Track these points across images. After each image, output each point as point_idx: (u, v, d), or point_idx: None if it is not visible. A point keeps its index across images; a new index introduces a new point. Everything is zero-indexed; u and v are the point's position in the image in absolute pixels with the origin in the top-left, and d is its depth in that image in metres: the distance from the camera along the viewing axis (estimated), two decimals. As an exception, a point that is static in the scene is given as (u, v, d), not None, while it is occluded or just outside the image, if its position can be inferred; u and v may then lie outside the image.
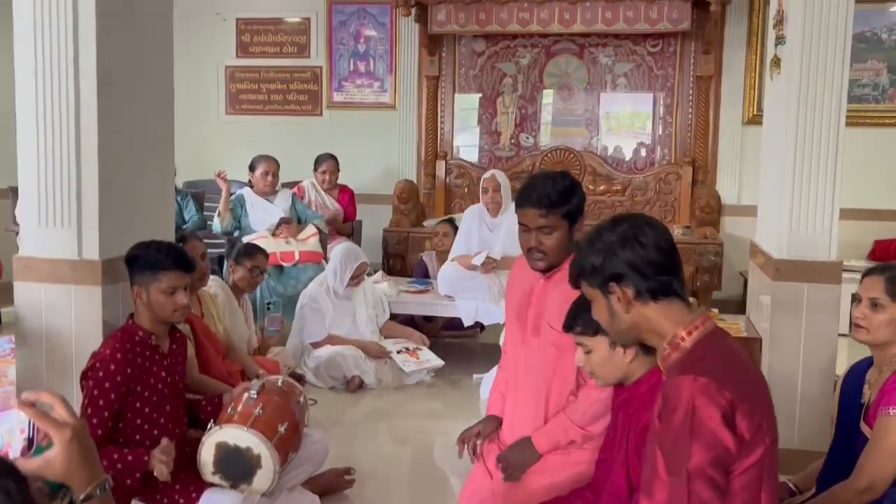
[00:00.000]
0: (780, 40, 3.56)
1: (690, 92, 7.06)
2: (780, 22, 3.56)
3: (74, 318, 3.03)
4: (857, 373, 2.71)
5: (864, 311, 2.59)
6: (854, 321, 2.62)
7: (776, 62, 3.61)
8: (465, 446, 2.90)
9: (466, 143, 7.53)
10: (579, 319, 2.36)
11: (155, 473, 2.66)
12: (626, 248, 1.78)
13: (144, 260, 2.85)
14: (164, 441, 2.76)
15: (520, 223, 2.70)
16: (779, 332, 3.57)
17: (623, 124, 7.30)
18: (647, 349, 2.33)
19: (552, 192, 2.62)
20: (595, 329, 2.32)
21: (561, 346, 2.66)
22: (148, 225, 3.19)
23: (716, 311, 6.00)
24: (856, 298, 2.65)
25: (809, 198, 3.45)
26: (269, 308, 4.45)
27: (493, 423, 2.95)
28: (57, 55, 2.93)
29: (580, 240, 1.94)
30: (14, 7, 2.97)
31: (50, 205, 2.99)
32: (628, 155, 7.24)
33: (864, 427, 2.52)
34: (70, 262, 3.00)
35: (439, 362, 4.95)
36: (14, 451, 3.01)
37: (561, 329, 2.62)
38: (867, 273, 2.66)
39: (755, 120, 6.76)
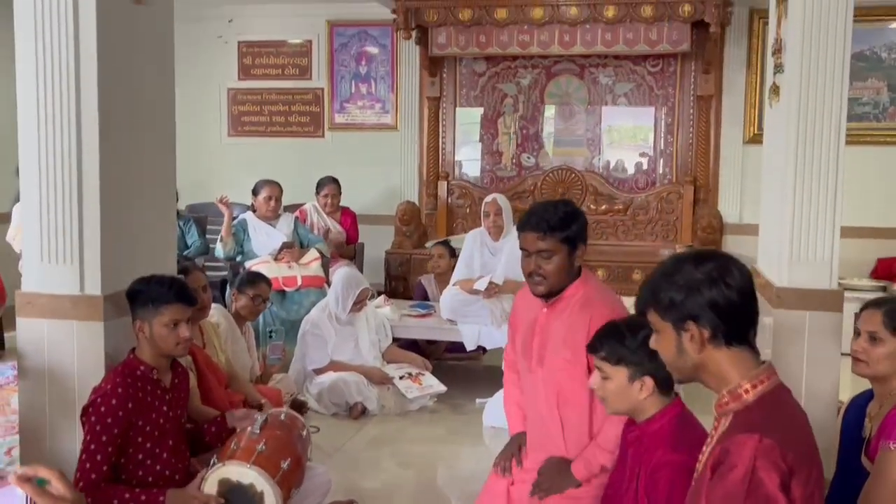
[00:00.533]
0: (778, 69, 3.57)
1: (691, 111, 7.08)
2: (778, 50, 3.57)
3: (77, 353, 3.03)
4: (858, 406, 2.71)
5: (863, 345, 2.59)
6: (854, 355, 2.63)
7: (775, 90, 3.61)
8: (503, 469, 2.90)
9: (468, 158, 7.55)
10: (605, 345, 2.38)
11: None
12: (712, 288, 1.72)
13: (146, 294, 2.87)
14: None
15: (521, 248, 2.73)
16: (780, 359, 3.55)
17: (625, 136, 7.32)
18: (664, 389, 2.35)
19: (551, 217, 2.66)
20: (618, 359, 2.34)
21: (566, 373, 2.67)
22: (150, 259, 3.20)
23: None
24: (855, 332, 2.65)
25: (810, 226, 3.44)
26: (270, 336, 4.46)
27: (523, 437, 2.96)
28: (59, 90, 2.94)
29: (656, 269, 1.86)
30: (17, 42, 2.99)
31: (52, 240, 3.00)
32: (630, 169, 7.25)
33: (865, 461, 2.51)
34: (72, 297, 3.01)
35: (442, 388, 4.95)
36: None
37: (568, 359, 2.64)
38: (865, 307, 2.66)
39: (756, 139, 6.78)
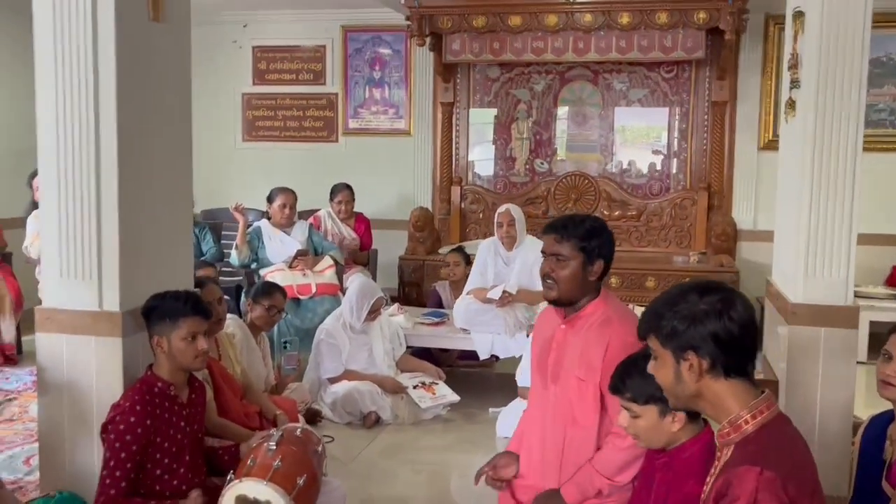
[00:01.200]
0: (794, 84, 3.56)
1: (705, 117, 7.06)
2: (794, 65, 3.56)
3: (95, 368, 3.06)
4: (878, 426, 2.67)
5: (894, 368, 2.55)
6: (883, 378, 2.57)
7: (791, 105, 3.61)
8: (482, 478, 2.92)
9: (481, 158, 7.54)
10: (630, 386, 2.34)
11: None
12: (715, 320, 1.75)
13: (163, 309, 2.90)
14: (195, 493, 2.81)
15: (542, 251, 2.76)
16: (795, 375, 3.55)
17: (638, 136, 7.31)
18: (693, 416, 2.34)
19: (575, 225, 2.70)
20: (646, 398, 2.30)
21: (578, 392, 2.67)
22: (167, 274, 3.23)
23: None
24: (883, 354, 2.61)
25: (825, 242, 3.43)
26: (285, 347, 4.49)
27: (512, 459, 2.97)
28: (78, 109, 2.97)
29: (660, 296, 1.89)
30: (35, 58, 3.02)
31: (71, 257, 3.03)
32: (644, 169, 7.22)
33: (886, 486, 2.49)
34: (91, 313, 3.03)
35: (455, 398, 4.97)
36: None
37: (580, 377, 2.64)
38: (894, 329, 2.63)
39: (771, 145, 6.76)
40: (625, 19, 6.25)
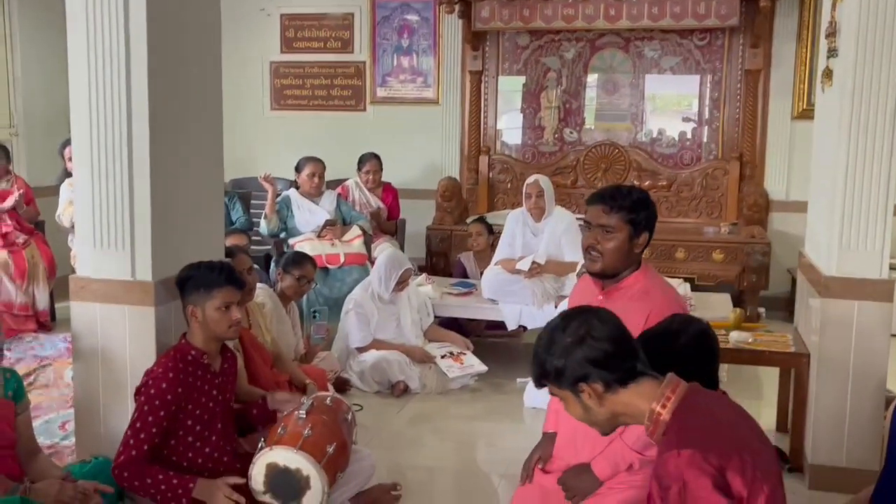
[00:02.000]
0: (832, 53, 3.48)
1: (738, 85, 6.94)
2: (832, 33, 3.48)
3: (128, 337, 3.10)
4: (909, 400, 2.67)
5: None
6: None
7: (828, 74, 3.53)
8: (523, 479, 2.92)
9: (510, 127, 7.48)
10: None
11: None
12: (582, 346, 1.82)
13: (197, 279, 2.93)
14: (233, 479, 2.83)
15: (585, 221, 2.73)
16: (827, 348, 3.53)
17: (669, 103, 7.21)
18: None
19: (623, 197, 2.66)
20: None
21: None
22: (199, 244, 3.26)
23: (762, 310, 5.98)
24: None
25: (861, 214, 3.39)
26: (315, 317, 4.51)
27: (551, 442, 2.98)
28: (110, 77, 2.98)
29: (535, 344, 1.94)
30: (68, 27, 3.03)
31: (104, 228, 3.06)
32: (674, 136, 7.13)
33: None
34: (124, 283, 3.07)
35: (483, 368, 4.98)
36: None
37: None
38: None
39: (805, 114, 6.63)
40: (657, -15, 6.14)
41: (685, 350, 2.30)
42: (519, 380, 4.98)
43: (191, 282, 2.94)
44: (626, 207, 2.63)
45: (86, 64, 2.99)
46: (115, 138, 2.99)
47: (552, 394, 1.93)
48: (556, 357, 1.84)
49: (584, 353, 1.81)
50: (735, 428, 1.80)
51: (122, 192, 3.01)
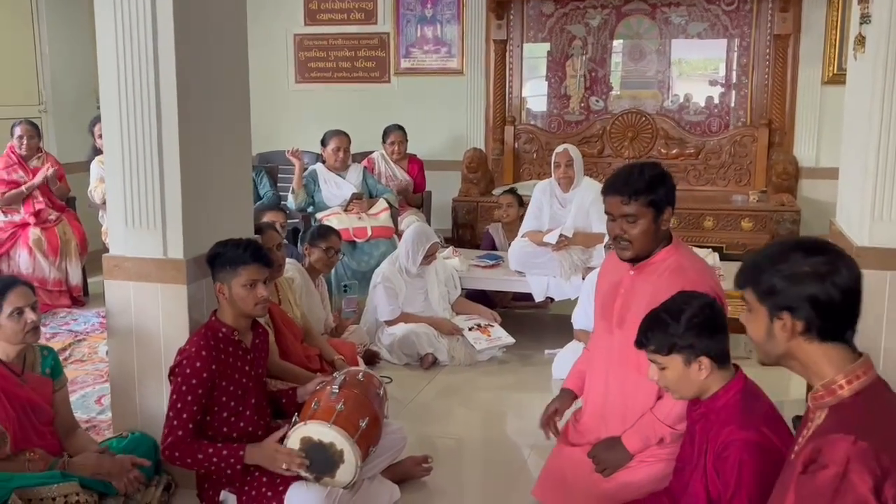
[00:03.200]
0: (864, 19, 3.42)
1: (767, 51, 6.84)
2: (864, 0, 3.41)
3: (161, 314, 3.15)
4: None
5: None
6: None
7: (860, 41, 3.47)
8: (549, 429, 2.97)
9: (535, 95, 7.43)
10: (652, 338, 2.37)
11: (282, 469, 2.83)
12: (816, 283, 1.68)
13: (224, 257, 2.96)
14: (279, 434, 2.90)
15: (606, 212, 2.71)
16: (859, 321, 3.49)
17: (696, 68, 7.12)
18: (721, 363, 2.34)
19: (636, 181, 2.63)
20: (668, 348, 2.33)
21: None
22: (229, 221, 3.29)
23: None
24: None
25: (894, 184, 3.34)
26: (345, 290, 4.55)
27: (569, 398, 3.01)
28: (138, 53, 2.99)
29: (762, 248, 1.84)
30: (95, 2, 3.05)
31: (136, 207, 3.09)
32: (701, 102, 7.06)
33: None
34: (156, 261, 3.11)
35: (510, 340, 5.00)
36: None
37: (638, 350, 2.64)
38: None
39: (835, 79, 6.54)
40: (684, -50, 6.05)
41: (693, 324, 2.31)
42: (547, 351, 4.99)
43: (218, 259, 2.98)
44: (644, 191, 2.61)
45: (113, 40, 3.00)
46: (145, 116, 3.01)
47: (745, 298, 1.81)
48: (781, 277, 1.72)
49: (812, 290, 1.68)
50: None
51: (152, 172, 3.04)
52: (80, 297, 6.12)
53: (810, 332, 1.71)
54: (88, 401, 4.27)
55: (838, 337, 1.72)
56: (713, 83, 7.06)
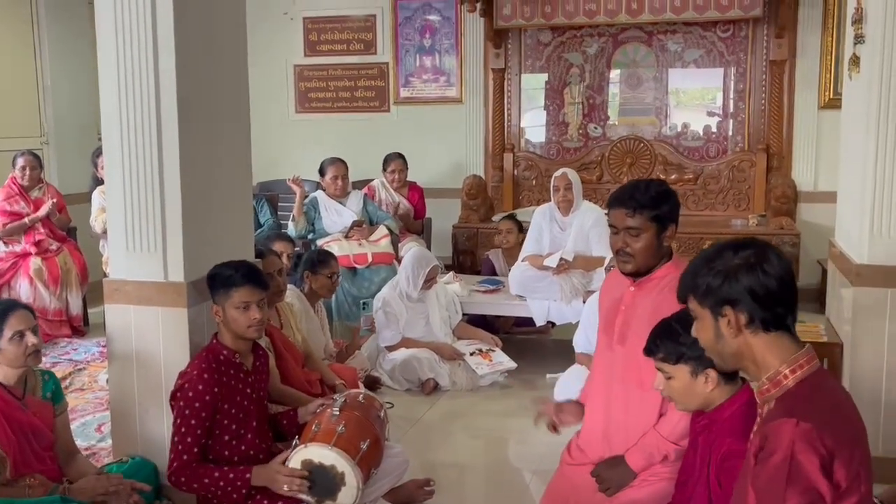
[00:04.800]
0: (858, 39, 3.45)
1: (763, 76, 6.89)
2: (858, 20, 3.45)
3: (162, 337, 3.15)
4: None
5: None
6: None
7: (855, 61, 3.50)
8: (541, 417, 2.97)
9: (533, 124, 7.49)
10: (661, 346, 2.37)
11: (284, 490, 2.81)
12: (749, 274, 1.75)
13: (219, 278, 2.97)
14: (283, 456, 2.89)
15: (610, 225, 2.73)
16: (860, 338, 3.50)
17: (693, 98, 7.18)
18: (728, 377, 2.34)
19: (642, 195, 2.65)
20: (677, 357, 2.33)
21: (649, 357, 2.66)
22: (229, 245, 3.30)
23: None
24: None
25: (892, 200, 3.36)
26: (363, 308, 4.57)
27: (575, 406, 2.98)
28: (140, 84, 3.03)
29: (695, 257, 1.89)
30: (98, 33, 3.09)
31: (136, 230, 3.11)
32: (699, 131, 7.10)
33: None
34: (156, 284, 3.12)
35: (512, 364, 4.98)
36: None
37: (647, 357, 2.63)
38: None
39: (832, 104, 6.57)
40: (680, -22, 6.12)
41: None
42: (549, 375, 4.97)
43: (214, 282, 2.98)
44: (648, 205, 2.62)
45: (115, 72, 3.05)
46: (146, 139, 3.04)
47: (690, 308, 1.87)
48: (715, 274, 1.78)
49: (747, 281, 1.74)
50: (853, 421, 1.74)
51: (153, 195, 3.06)
52: (80, 327, 6.12)
53: (754, 324, 1.76)
54: (88, 429, 4.25)
55: (781, 325, 1.77)
56: (711, 114, 7.11)
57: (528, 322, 5.49)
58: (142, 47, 3.00)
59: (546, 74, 7.34)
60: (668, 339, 2.35)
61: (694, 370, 2.32)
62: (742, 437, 2.20)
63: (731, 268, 1.76)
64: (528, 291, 5.21)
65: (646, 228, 2.63)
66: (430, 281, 4.96)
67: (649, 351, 2.41)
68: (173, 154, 3.03)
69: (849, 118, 3.78)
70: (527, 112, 7.49)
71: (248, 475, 2.84)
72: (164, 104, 3.03)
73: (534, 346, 5.79)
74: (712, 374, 2.31)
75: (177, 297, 3.10)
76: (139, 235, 3.11)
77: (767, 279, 1.74)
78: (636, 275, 2.71)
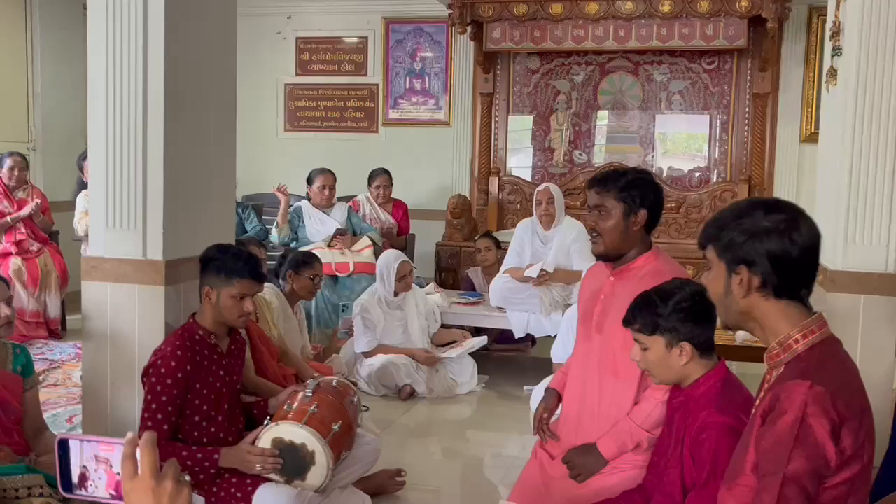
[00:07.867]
0: (836, 51, 3.53)
1: (747, 109, 7.01)
2: (836, 33, 3.54)
3: (138, 315, 3.13)
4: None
5: None
6: None
7: (832, 73, 3.58)
8: (543, 433, 2.93)
9: (520, 165, 7.58)
10: (639, 317, 2.38)
11: (256, 470, 2.79)
12: (775, 239, 1.69)
13: (221, 263, 2.91)
14: (252, 437, 2.87)
15: (587, 206, 2.82)
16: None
17: (679, 146, 7.28)
18: (703, 351, 2.35)
19: (616, 178, 2.73)
20: (653, 328, 2.34)
21: (622, 343, 2.67)
22: (210, 229, 3.30)
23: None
24: None
25: (866, 207, 3.40)
26: (343, 310, 4.56)
27: (553, 397, 2.98)
28: (127, 69, 3.05)
29: (727, 208, 1.83)
30: (88, 25, 3.13)
31: (117, 207, 3.10)
32: (684, 167, 7.22)
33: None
34: (135, 262, 3.11)
35: (483, 340, 5.10)
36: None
37: (625, 328, 2.65)
38: None
39: (813, 138, 6.69)
40: (666, 7, 6.26)
41: (680, 308, 2.33)
42: (526, 387, 4.97)
43: (214, 263, 2.93)
44: (618, 187, 2.69)
45: (104, 81, 3.06)
46: (130, 120, 3.05)
47: (706, 256, 1.82)
48: (741, 231, 1.72)
49: (771, 245, 1.69)
50: (862, 391, 1.71)
51: (135, 172, 3.07)
52: (57, 331, 6.08)
53: (766, 289, 1.72)
54: (59, 419, 4.21)
55: (794, 295, 1.73)
56: (697, 165, 7.21)
57: (509, 339, 5.49)
58: (132, 57, 3.03)
59: (532, 115, 7.43)
60: (646, 310, 2.37)
61: (669, 342, 2.33)
62: (717, 410, 2.22)
63: (760, 229, 1.71)
64: (508, 303, 5.23)
65: (613, 207, 2.68)
66: (403, 278, 4.96)
67: (626, 322, 2.42)
68: (158, 134, 3.04)
69: (826, 128, 3.85)
70: (513, 141, 7.57)
71: (216, 456, 2.81)
72: (151, 88, 3.04)
73: (513, 362, 5.79)
74: (687, 347, 2.32)
75: (154, 276, 3.09)
76: (119, 212, 3.10)
77: (792, 247, 1.69)
78: (607, 258, 2.75)
